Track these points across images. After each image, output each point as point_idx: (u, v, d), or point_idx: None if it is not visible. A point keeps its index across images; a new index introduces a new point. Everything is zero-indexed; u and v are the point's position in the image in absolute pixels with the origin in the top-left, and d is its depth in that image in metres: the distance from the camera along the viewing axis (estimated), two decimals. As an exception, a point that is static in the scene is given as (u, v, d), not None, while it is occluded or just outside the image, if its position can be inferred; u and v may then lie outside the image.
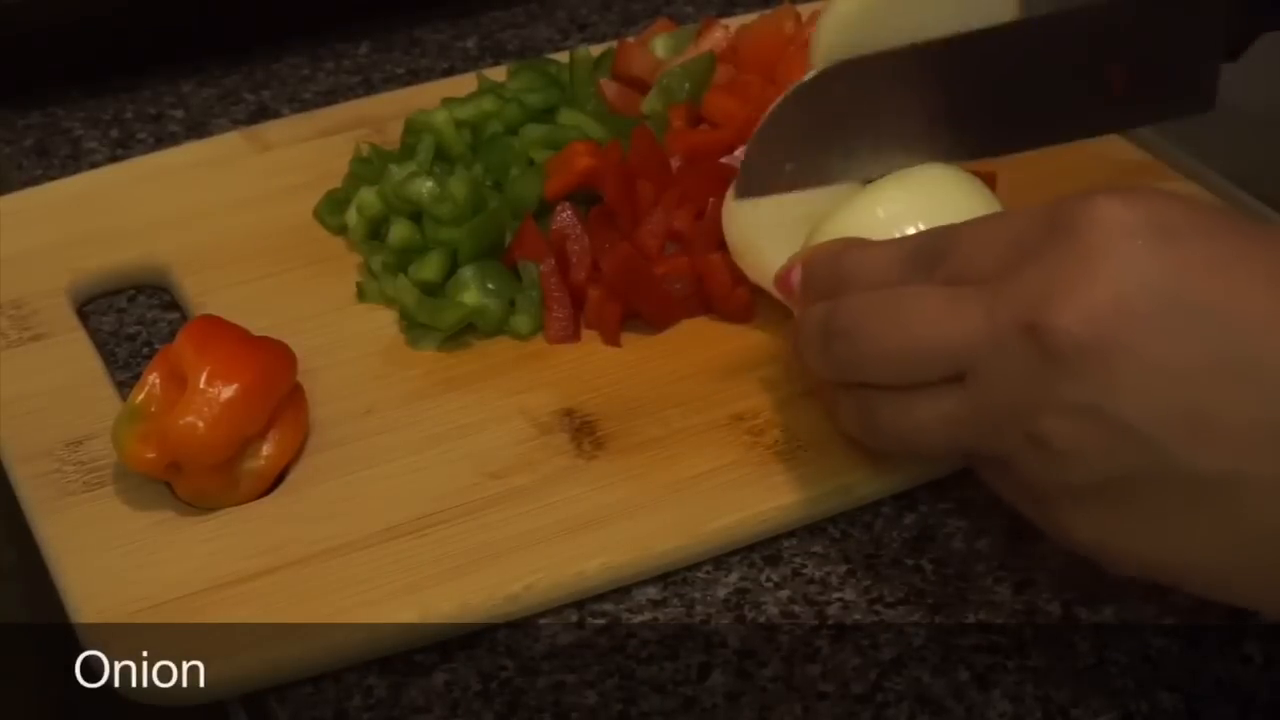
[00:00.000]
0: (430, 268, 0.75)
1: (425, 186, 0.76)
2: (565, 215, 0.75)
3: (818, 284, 0.62)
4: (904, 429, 0.59)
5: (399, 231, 0.76)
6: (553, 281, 0.74)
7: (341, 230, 0.80)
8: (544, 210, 0.77)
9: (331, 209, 0.80)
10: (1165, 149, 0.85)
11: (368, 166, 0.81)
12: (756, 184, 0.69)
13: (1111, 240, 0.54)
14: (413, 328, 0.74)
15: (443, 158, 0.80)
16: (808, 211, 0.73)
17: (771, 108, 0.69)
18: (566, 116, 0.82)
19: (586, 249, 0.74)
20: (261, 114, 0.91)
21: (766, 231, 0.72)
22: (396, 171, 0.77)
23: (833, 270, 0.62)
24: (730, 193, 0.73)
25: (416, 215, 0.76)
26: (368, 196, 0.78)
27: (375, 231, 0.78)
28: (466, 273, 0.74)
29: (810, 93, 0.68)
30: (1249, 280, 0.53)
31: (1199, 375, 0.52)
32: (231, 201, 0.81)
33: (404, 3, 0.98)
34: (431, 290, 0.74)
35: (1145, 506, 0.54)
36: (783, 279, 0.65)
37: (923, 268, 0.59)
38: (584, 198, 0.77)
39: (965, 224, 0.60)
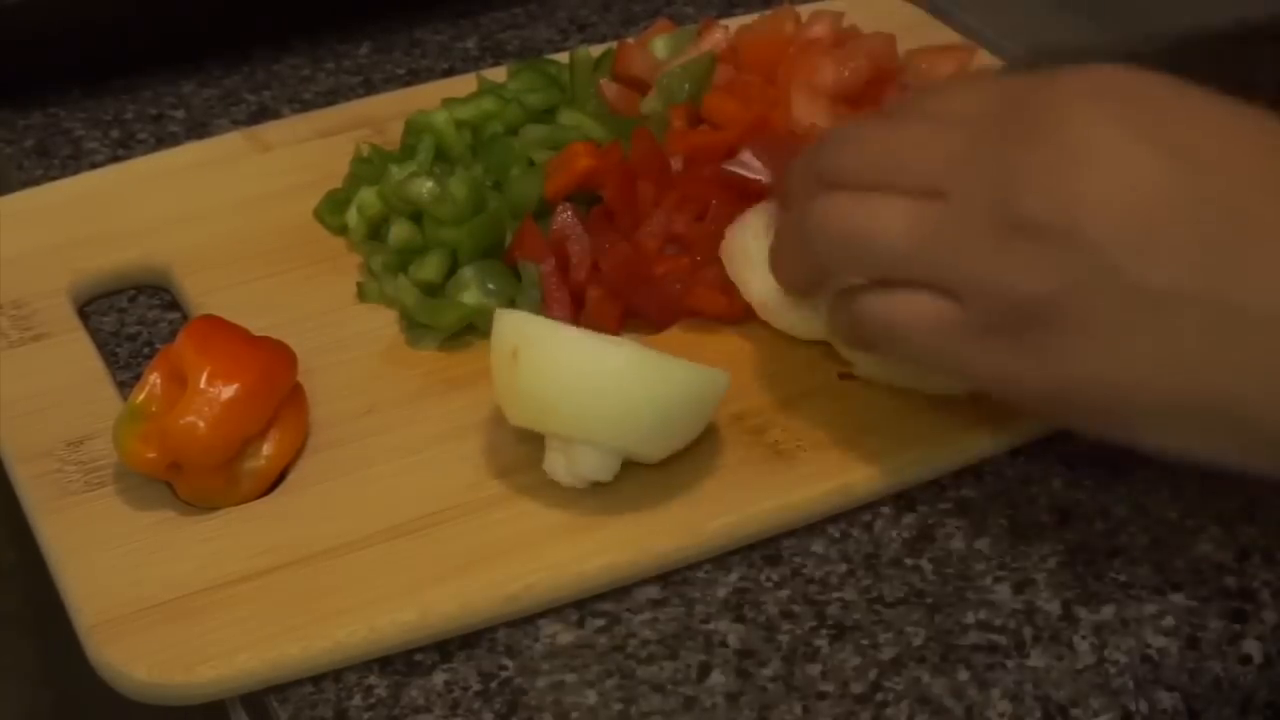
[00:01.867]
0: (430, 268, 0.75)
1: (425, 186, 0.76)
2: (566, 215, 0.75)
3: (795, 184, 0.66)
4: (871, 227, 0.62)
5: (399, 231, 0.76)
6: (553, 281, 0.74)
7: (342, 230, 0.80)
8: (544, 211, 0.77)
9: (332, 209, 0.80)
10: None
11: (368, 166, 0.81)
12: None
13: (1078, 96, 0.59)
14: (413, 328, 0.74)
15: (443, 158, 0.80)
16: None
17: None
18: (567, 117, 0.82)
19: (587, 249, 0.74)
20: (262, 114, 0.91)
21: (752, 242, 0.72)
22: (397, 172, 0.78)
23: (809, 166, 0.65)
24: (741, 218, 0.74)
25: (417, 215, 0.76)
26: (368, 196, 0.78)
27: (375, 231, 0.78)
28: (466, 273, 0.74)
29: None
30: (1200, 132, 0.58)
31: (1149, 195, 0.57)
32: (232, 201, 0.81)
33: (404, 3, 0.98)
34: (431, 290, 0.74)
35: (1099, 324, 0.57)
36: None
37: (906, 109, 0.66)
38: (584, 198, 0.77)
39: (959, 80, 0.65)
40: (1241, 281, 0.56)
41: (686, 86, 0.82)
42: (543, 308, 0.74)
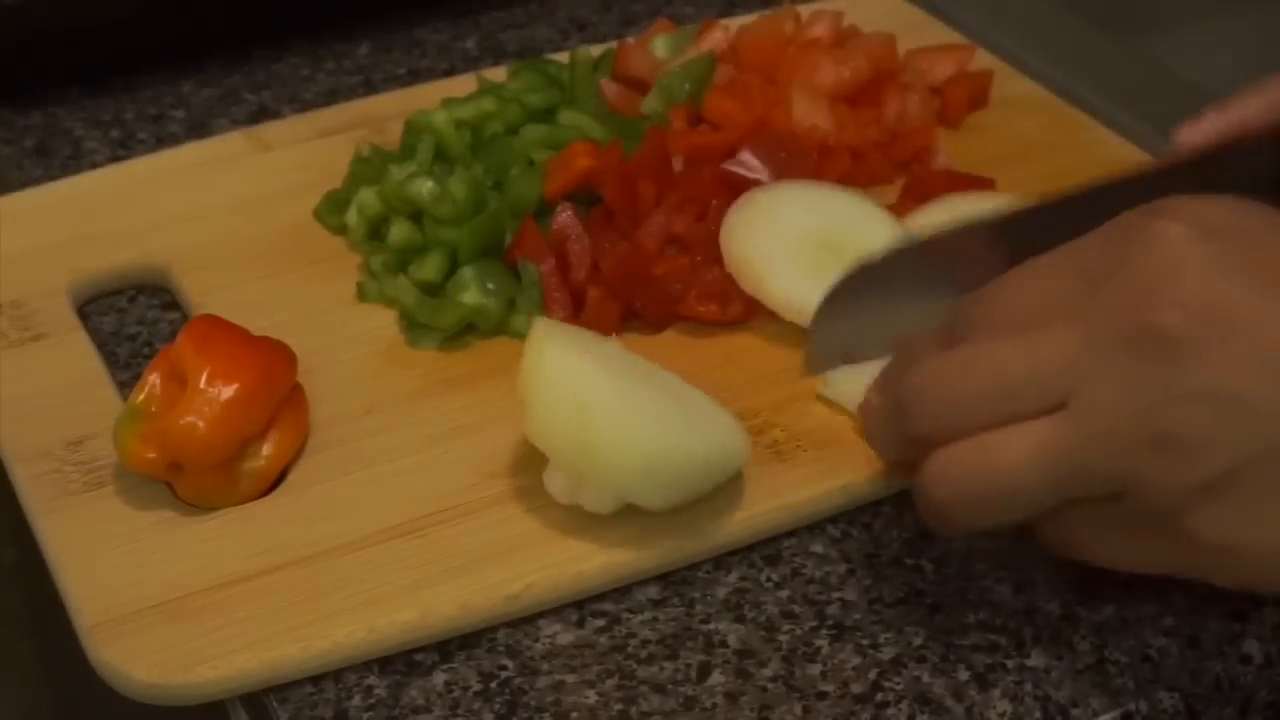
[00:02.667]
0: (430, 268, 0.75)
1: (425, 186, 0.76)
2: (566, 215, 0.75)
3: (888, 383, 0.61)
4: (996, 470, 0.56)
5: (399, 231, 0.76)
6: (553, 281, 0.74)
7: (341, 230, 0.80)
8: (544, 210, 0.77)
9: (331, 209, 0.80)
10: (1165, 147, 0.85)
11: (368, 166, 0.81)
12: (822, 363, 0.70)
13: (1185, 247, 0.55)
14: (413, 328, 0.74)
15: (443, 158, 0.80)
16: (805, 233, 0.73)
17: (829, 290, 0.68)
18: (567, 117, 0.82)
19: (587, 249, 0.74)
20: (262, 114, 0.91)
21: (764, 254, 0.72)
22: (396, 172, 0.78)
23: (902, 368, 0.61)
24: (730, 216, 0.74)
25: (416, 215, 0.76)
26: (368, 196, 0.78)
27: (375, 231, 0.78)
28: (466, 273, 0.74)
29: (867, 273, 0.67)
30: None
31: None
32: (232, 201, 0.81)
33: (404, 3, 0.98)
34: (431, 290, 0.74)
35: (1272, 489, 0.54)
36: (865, 407, 0.63)
37: (972, 319, 0.59)
38: (584, 198, 0.77)
39: (1002, 281, 0.59)
40: None
41: (686, 86, 0.82)
42: (543, 308, 0.74)
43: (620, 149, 0.78)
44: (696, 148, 0.78)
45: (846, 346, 0.69)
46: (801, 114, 0.79)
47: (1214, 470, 0.53)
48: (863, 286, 0.67)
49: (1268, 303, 0.54)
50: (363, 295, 0.76)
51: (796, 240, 0.73)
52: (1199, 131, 0.67)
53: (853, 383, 0.69)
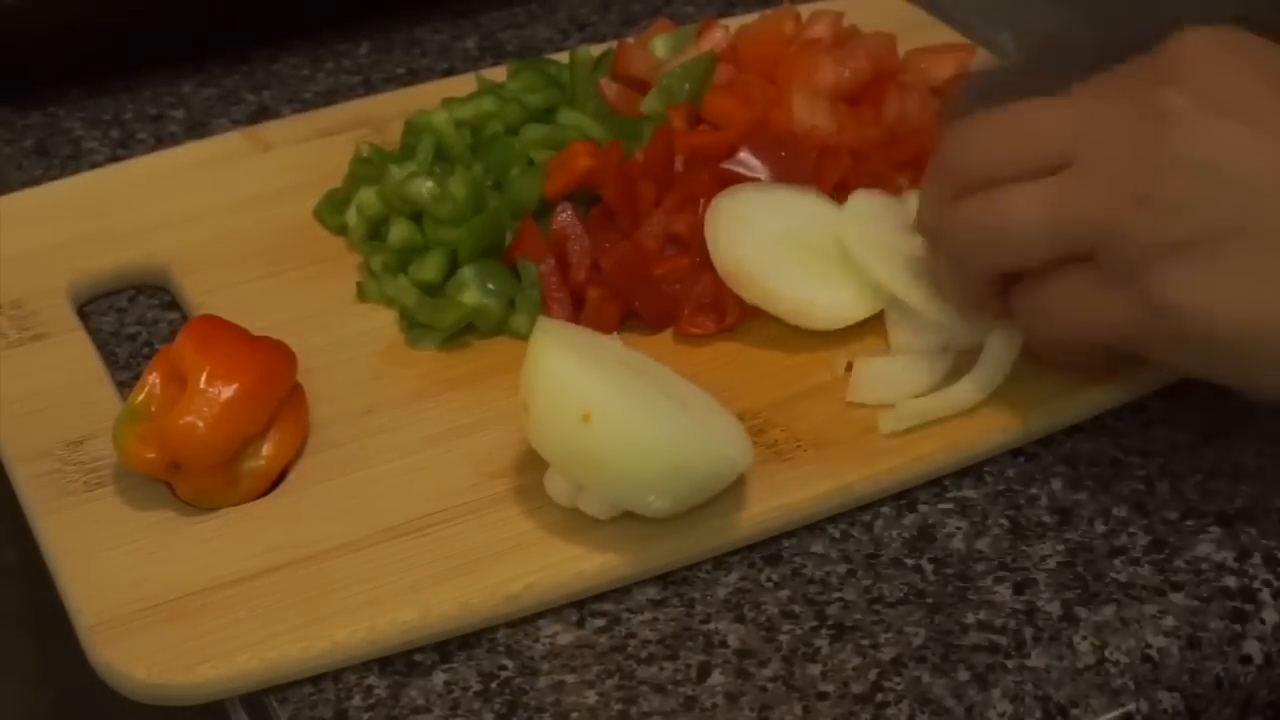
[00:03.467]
0: (430, 268, 0.75)
1: (425, 186, 0.76)
2: (566, 215, 0.75)
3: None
4: (1002, 214, 0.62)
5: (399, 231, 0.76)
6: (552, 281, 0.74)
7: (341, 230, 0.80)
8: (544, 210, 0.77)
9: (331, 209, 0.80)
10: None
11: (368, 166, 0.81)
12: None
13: (1205, 45, 0.61)
14: (413, 328, 0.74)
15: (443, 158, 0.80)
16: (783, 233, 0.73)
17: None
18: (567, 116, 0.82)
19: (586, 249, 0.74)
20: (262, 114, 0.91)
21: (752, 258, 0.73)
22: (396, 172, 0.78)
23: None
24: (712, 212, 0.74)
25: (416, 215, 0.76)
26: (368, 196, 0.78)
27: (375, 231, 0.78)
28: (466, 273, 0.74)
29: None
30: None
31: None
32: (231, 201, 0.81)
33: (404, 3, 0.98)
34: (431, 290, 0.74)
35: (1240, 262, 0.58)
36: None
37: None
38: (585, 198, 0.77)
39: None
40: None
41: (686, 86, 0.82)
42: (543, 308, 0.74)
43: (620, 149, 0.78)
44: (696, 147, 0.78)
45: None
46: (802, 114, 0.79)
47: (1183, 232, 0.58)
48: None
49: (1268, 95, 0.59)
50: (363, 295, 0.76)
51: (780, 241, 0.73)
52: None
53: (882, 387, 0.69)
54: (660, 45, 0.86)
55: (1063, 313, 0.63)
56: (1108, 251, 0.60)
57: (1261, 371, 0.60)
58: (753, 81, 0.81)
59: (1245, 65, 0.60)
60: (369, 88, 0.92)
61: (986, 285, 0.66)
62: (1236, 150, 0.58)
